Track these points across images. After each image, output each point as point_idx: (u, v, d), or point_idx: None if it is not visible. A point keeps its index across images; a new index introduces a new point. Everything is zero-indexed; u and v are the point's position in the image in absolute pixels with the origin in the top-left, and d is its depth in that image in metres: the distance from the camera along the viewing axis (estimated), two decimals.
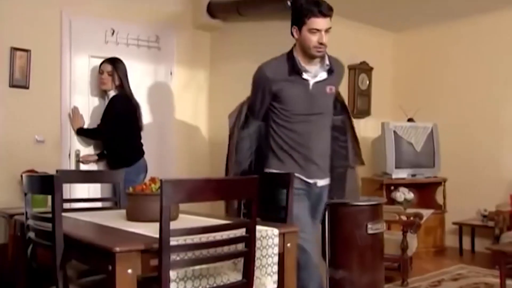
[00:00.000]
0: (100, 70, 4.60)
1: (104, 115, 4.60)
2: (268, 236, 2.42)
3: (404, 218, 5.11)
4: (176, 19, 5.43)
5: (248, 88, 5.16)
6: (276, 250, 2.45)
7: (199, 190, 2.05)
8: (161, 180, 1.92)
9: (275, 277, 2.46)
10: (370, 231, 3.78)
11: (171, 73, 5.27)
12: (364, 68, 6.72)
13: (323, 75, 3.14)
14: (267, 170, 3.19)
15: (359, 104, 6.68)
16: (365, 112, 6.77)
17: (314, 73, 3.11)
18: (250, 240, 2.16)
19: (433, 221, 6.14)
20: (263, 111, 3.22)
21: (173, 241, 1.97)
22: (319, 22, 2.94)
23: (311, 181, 3.19)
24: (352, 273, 3.76)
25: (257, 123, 3.28)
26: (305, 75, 3.09)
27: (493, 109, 6.32)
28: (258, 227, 2.32)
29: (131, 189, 2.75)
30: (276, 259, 2.45)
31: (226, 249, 2.16)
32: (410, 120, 6.45)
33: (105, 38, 4.93)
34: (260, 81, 3.16)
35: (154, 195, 2.51)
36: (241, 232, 2.21)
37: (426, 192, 6.43)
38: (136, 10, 5.10)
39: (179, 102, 5.52)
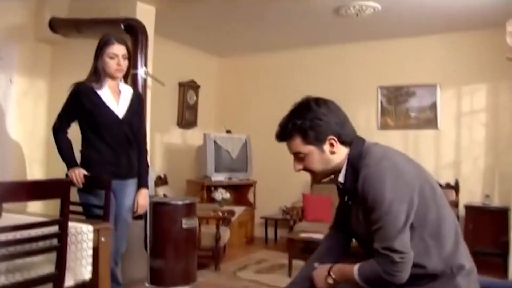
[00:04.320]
0: (111, 54, 3.13)
1: (139, 114, 3.37)
2: (83, 232, 2.37)
3: (220, 214, 5.28)
4: (18, 31, 5.03)
5: None
6: (90, 244, 2.40)
7: (12, 192, 1.94)
8: None
9: (89, 267, 2.41)
10: (184, 226, 3.84)
11: (11, 81, 4.89)
12: (192, 86, 6.84)
13: None
14: None
15: (187, 116, 6.77)
16: (192, 124, 6.89)
17: None
18: (61, 236, 2.10)
19: (245, 216, 6.43)
20: None
21: None
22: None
23: None
24: (168, 262, 3.80)
25: None
26: None
27: None
28: (73, 224, 2.27)
29: None
30: (90, 252, 2.41)
31: (41, 244, 2.08)
32: (228, 131, 6.69)
33: None
34: None
35: None
36: (55, 228, 2.14)
37: (240, 192, 6.70)
38: None
39: (19, 108, 5.13)
